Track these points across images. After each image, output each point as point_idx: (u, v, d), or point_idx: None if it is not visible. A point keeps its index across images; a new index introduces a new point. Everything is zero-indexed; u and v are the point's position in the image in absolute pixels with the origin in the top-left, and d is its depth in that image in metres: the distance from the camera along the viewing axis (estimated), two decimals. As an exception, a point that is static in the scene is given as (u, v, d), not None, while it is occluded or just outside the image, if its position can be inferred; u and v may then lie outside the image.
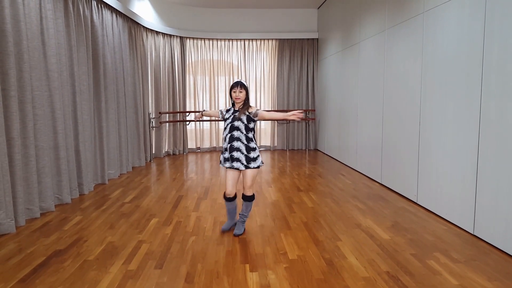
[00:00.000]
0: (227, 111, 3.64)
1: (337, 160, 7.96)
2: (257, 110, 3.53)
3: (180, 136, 9.31)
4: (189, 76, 9.50)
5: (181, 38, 9.16)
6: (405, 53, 4.86)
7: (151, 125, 8.13)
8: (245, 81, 3.86)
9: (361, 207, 4.49)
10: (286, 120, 3.48)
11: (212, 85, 9.62)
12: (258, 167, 3.58)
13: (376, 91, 5.81)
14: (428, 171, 4.33)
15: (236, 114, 3.51)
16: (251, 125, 3.53)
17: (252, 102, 9.82)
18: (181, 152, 9.36)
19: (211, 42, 9.54)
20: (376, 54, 5.84)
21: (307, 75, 9.75)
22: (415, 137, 4.60)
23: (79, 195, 5.13)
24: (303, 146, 9.91)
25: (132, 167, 7.24)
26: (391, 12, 5.28)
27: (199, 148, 9.71)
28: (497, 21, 3.22)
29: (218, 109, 9.59)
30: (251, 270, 2.88)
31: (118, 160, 6.48)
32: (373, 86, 5.94)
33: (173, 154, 9.19)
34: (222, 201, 4.84)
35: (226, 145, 3.53)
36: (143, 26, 7.78)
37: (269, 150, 9.85)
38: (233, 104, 3.62)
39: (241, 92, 3.50)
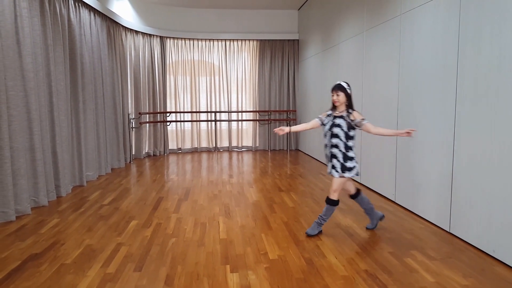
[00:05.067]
0: (328, 116, 3.54)
1: (317, 160, 8.03)
2: (363, 120, 3.36)
3: (160, 137, 9.22)
4: (169, 76, 9.42)
5: (161, 37, 9.08)
6: (383, 54, 4.94)
7: (130, 126, 8.02)
8: (344, 82, 3.49)
9: (341, 207, 4.54)
10: (396, 135, 3.40)
11: (193, 85, 9.57)
12: (353, 177, 3.47)
13: (355, 92, 5.89)
14: (405, 170, 4.42)
15: (336, 120, 3.42)
16: (351, 133, 3.40)
17: (233, 103, 9.81)
18: (162, 153, 9.27)
19: (192, 42, 9.49)
20: (355, 56, 5.92)
21: (288, 76, 9.80)
22: (393, 137, 4.68)
23: (56, 197, 5.02)
24: (284, 147, 9.96)
25: (111, 169, 7.13)
26: (369, 14, 5.36)
27: (180, 149, 9.64)
28: (471, 23, 3.31)
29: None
30: (232, 271, 2.87)
31: (97, 162, 6.37)
32: (352, 87, 6.02)
33: (154, 155, 9.09)
34: (203, 202, 4.82)
35: (327, 152, 3.50)
36: (122, 26, 7.67)
37: (251, 150, 9.86)
38: (334, 108, 3.52)
39: (338, 95, 3.41)
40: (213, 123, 9.68)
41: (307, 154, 8.91)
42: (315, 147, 8.26)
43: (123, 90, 7.63)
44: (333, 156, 3.45)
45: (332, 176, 3.51)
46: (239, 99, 9.83)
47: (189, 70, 9.54)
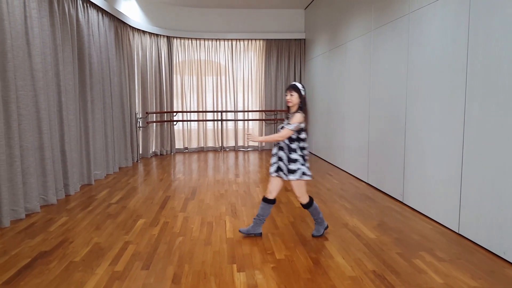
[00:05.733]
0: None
1: (324, 160, 8.01)
2: (286, 125, 3.32)
3: (167, 136, 9.25)
4: (176, 76, 9.45)
5: (168, 37, 9.11)
6: (391, 53, 4.92)
7: (138, 125, 8.06)
8: (299, 83, 3.49)
9: (348, 207, 4.53)
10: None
11: (199, 85, 9.59)
12: (300, 178, 3.37)
13: (363, 92, 5.87)
14: (414, 170, 4.39)
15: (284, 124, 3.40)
16: (294, 135, 3.32)
17: (239, 103, 9.81)
18: (169, 152, 9.30)
19: (198, 42, 9.51)
20: (362, 55, 5.89)
21: (294, 76, 9.79)
22: (401, 137, 4.66)
23: (65, 195, 5.06)
24: (291, 146, 9.92)
25: (119, 168, 7.17)
26: (377, 13, 5.34)
27: (186, 148, 9.67)
28: (481, 22, 3.28)
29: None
30: (239, 270, 2.88)
31: (105, 161, 6.41)
32: (360, 87, 6.00)
33: (161, 154, 9.13)
34: (210, 201, 4.83)
35: (274, 152, 3.48)
36: (130, 26, 7.71)
37: (257, 150, 9.86)
38: (288, 109, 3.51)
39: (292, 95, 3.39)
40: (219, 122, 9.70)
41: (314, 154, 8.89)
42: (322, 147, 8.24)
43: (130, 90, 7.67)
44: (280, 159, 3.41)
45: (280, 177, 3.46)
46: (245, 98, 9.83)
47: (196, 70, 9.57)
